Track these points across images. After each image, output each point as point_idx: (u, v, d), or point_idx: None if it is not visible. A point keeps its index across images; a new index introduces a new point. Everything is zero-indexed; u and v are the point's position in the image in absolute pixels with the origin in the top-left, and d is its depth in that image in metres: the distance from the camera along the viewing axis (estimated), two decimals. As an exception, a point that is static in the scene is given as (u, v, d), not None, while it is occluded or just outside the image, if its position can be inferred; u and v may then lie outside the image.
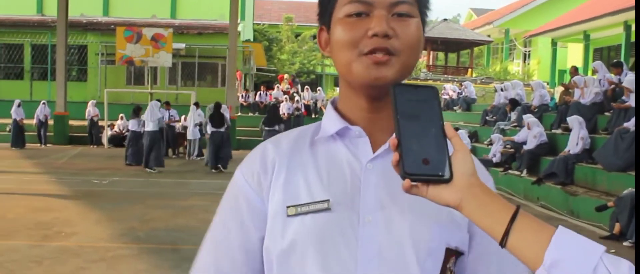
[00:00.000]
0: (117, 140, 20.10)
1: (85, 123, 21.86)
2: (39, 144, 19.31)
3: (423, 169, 0.88)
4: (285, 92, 25.95)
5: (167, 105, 18.07)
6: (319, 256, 1.04)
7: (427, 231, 1.05)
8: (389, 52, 1.04)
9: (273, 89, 26.71)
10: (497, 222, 0.86)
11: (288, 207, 1.07)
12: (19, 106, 18.79)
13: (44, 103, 19.77)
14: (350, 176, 1.09)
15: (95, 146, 19.83)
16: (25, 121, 18.86)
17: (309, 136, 1.16)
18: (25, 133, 18.92)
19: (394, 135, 0.96)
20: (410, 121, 0.91)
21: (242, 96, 25.68)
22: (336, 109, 1.16)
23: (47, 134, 19.74)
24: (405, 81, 1.05)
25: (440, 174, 0.89)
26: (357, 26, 1.05)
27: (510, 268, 1.09)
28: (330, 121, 1.14)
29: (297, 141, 1.15)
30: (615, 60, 13.42)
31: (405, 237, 1.05)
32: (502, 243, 0.86)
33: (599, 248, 0.81)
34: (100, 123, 20.91)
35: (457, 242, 1.07)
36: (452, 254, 1.07)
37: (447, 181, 0.89)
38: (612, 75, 12.68)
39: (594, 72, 13.53)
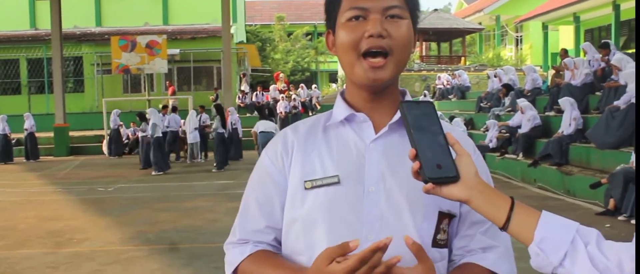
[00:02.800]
0: (118, 148, 20.30)
1: (86, 134, 22.13)
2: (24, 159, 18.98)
3: (438, 173, 1.10)
4: (281, 91, 26.15)
5: (164, 109, 18.32)
6: (330, 221, 1.26)
7: (422, 198, 1.23)
8: (384, 53, 1.25)
9: (269, 89, 26.95)
10: (499, 211, 1.11)
11: (305, 181, 1.29)
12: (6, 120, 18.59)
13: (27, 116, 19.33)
14: (356, 154, 1.30)
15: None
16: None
17: (322, 122, 1.39)
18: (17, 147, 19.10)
19: (381, 137, 1.29)
20: (420, 133, 1.12)
21: (239, 97, 25.89)
22: (344, 99, 1.38)
23: (38, 146, 19.43)
24: (409, 99, 1.31)
25: (452, 175, 1.10)
26: (356, 29, 1.26)
27: (494, 236, 1.31)
28: (340, 109, 1.36)
29: (312, 126, 1.38)
30: (602, 42, 13.64)
31: (403, 203, 1.26)
32: (504, 228, 1.10)
33: (574, 224, 1.07)
34: (101, 132, 21.10)
35: (448, 206, 1.27)
36: (445, 216, 1.28)
37: (457, 180, 1.11)
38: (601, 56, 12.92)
39: (584, 53, 13.76)
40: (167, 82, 25.09)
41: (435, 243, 1.27)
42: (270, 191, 1.35)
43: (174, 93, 23.77)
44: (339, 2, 1.31)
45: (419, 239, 1.22)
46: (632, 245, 1.03)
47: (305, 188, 1.29)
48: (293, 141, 1.36)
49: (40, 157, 19.33)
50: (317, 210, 1.27)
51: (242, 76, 26.08)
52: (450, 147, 1.13)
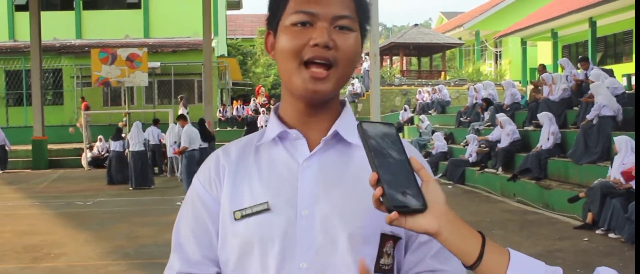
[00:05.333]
0: (97, 162, 20.13)
1: (65, 147, 21.90)
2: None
3: (404, 201, 0.96)
4: (262, 105, 26.16)
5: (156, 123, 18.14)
6: (263, 251, 1.15)
7: (361, 219, 1.14)
8: (327, 65, 1.14)
9: (249, 102, 26.93)
10: (471, 247, 0.97)
11: (234, 211, 1.18)
12: None
13: None
14: (288, 175, 1.19)
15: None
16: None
17: (254, 142, 1.27)
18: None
19: (316, 154, 1.18)
20: (381, 156, 0.99)
21: (219, 110, 25.84)
22: (278, 115, 1.26)
23: (8, 159, 19.42)
24: (369, 120, 1.17)
25: (419, 204, 0.97)
26: (301, 35, 1.14)
27: (445, 260, 1.18)
28: (272, 127, 1.24)
29: (244, 148, 1.27)
30: (582, 56, 13.87)
31: (339, 226, 1.14)
32: (474, 266, 0.97)
33: (542, 265, 0.99)
34: (80, 145, 20.87)
35: (391, 227, 1.12)
36: (389, 239, 1.16)
37: (424, 209, 0.97)
38: (578, 71, 13.13)
39: (562, 69, 13.97)
40: (81, 97, 24.44)
41: (378, 268, 1.15)
42: (205, 219, 1.24)
43: (87, 109, 23.25)
44: (285, 2, 1.19)
45: (359, 265, 1.11)
46: None
47: (235, 219, 1.18)
48: (224, 165, 1.25)
49: (17, 169, 19.14)
50: (249, 241, 1.17)
51: (179, 99, 24.11)
52: (416, 173, 1.01)
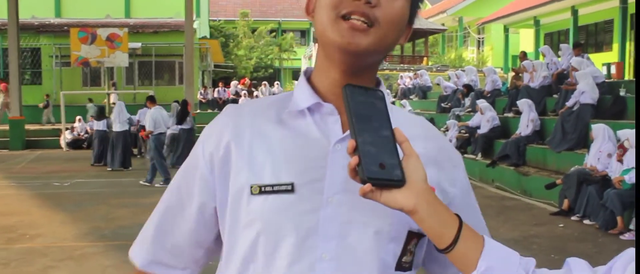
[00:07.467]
0: (77, 143, 19.92)
1: (43, 127, 21.67)
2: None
3: (381, 173, 0.90)
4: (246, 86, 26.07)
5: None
6: (277, 237, 1.04)
7: (391, 215, 1.03)
8: (368, 22, 1.01)
9: (230, 85, 26.82)
10: (447, 230, 0.93)
11: (252, 186, 1.05)
12: None
13: None
14: (318, 156, 1.06)
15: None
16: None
17: (275, 108, 1.13)
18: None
19: (349, 137, 0.99)
20: (364, 123, 0.92)
21: (200, 93, 25.69)
22: (309, 81, 1.13)
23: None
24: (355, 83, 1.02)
25: (396, 178, 0.90)
26: None
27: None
28: (303, 95, 1.10)
29: (263, 113, 1.12)
30: (575, 41, 14.04)
31: (368, 220, 1.04)
32: (448, 250, 0.93)
33: (516, 255, 0.95)
34: (59, 126, 20.64)
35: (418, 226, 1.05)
36: (414, 236, 1.08)
37: (401, 185, 0.91)
38: (559, 60, 13.21)
39: (543, 56, 14.04)
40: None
41: (399, 266, 1.08)
42: (192, 197, 1.15)
43: (6, 90, 22.88)
44: None
45: (381, 261, 1.05)
46: (562, 272, 0.95)
47: (252, 193, 1.05)
48: (233, 133, 1.11)
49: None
50: (265, 221, 1.05)
51: (111, 84, 23.62)
52: (398, 146, 0.94)
